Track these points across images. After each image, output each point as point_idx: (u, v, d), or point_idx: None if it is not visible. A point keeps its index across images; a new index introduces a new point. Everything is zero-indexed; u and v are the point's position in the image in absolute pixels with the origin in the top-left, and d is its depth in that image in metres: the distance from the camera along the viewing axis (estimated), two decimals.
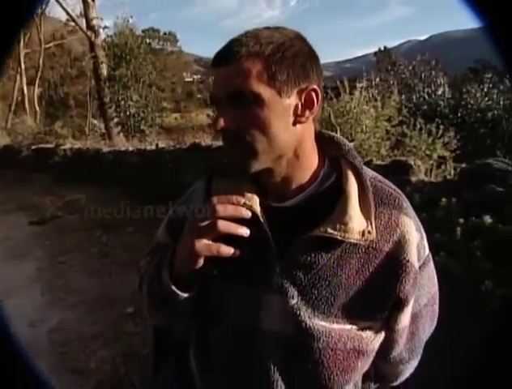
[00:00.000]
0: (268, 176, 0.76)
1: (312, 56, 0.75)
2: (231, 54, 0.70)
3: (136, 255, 4.71)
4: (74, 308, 3.63)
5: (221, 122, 0.72)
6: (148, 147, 7.62)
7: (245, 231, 0.71)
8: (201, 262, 0.72)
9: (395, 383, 0.89)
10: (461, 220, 2.52)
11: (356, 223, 0.72)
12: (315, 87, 0.73)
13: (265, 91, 0.69)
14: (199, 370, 0.83)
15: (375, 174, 0.81)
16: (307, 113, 0.73)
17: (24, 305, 3.69)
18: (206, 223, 0.70)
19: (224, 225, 0.70)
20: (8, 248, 5.36)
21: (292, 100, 0.72)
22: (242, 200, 0.73)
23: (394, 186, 0.80)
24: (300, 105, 0.73)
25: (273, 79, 0.70)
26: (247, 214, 0.72)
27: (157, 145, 7.48)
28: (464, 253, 2.39)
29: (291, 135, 0.73)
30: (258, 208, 0.75)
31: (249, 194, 0.76)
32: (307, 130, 0.76)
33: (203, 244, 0.70)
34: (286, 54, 0.70)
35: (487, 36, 0.55)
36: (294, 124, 0.73)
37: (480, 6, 0.57)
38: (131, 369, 2.72)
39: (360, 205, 0.74)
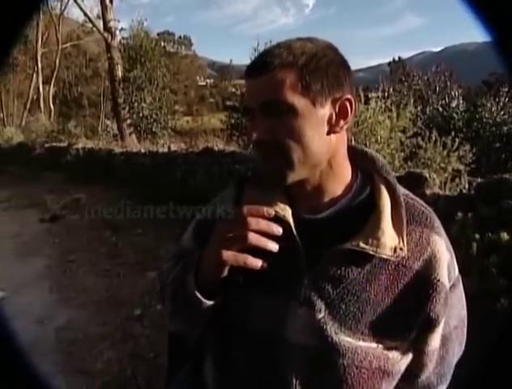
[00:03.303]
0: (302, 186, 0.76)
1: (344, 65, 0.74)
2: (264, 65, 0.70)
3: (145, 257, 4.74)
4: (83, 307, 3.64)
5: (255, 133, 0.72)
6: (160, 150, 7.64)
7: (274, 246, 0.70)
8: (226, 271, 0.72)
9: None
10: (477, 236, 2.49)
11: (389, 238, 0.71)
12: (349, 96, 0.73)
13: (299, 102, 0.69)
14: (217, 379, 0.81)
15: (407, 192, 0.79)
16: (341, 122, 0.73)
17: (33, 302, 3.72)
18: (235, 233, 0.70)
19: (254, 238, 0.69)
20: (18, 244, 5.41)
21: (326, 110, 0.72)
22: (273, 212, 0.72)
23: (425, 204, 0.79)
24: (334, 115, 0.72)
25: (307, 89, 0.70)
26: (278, 231, 0.71)
27: (169, 148, 7.51)
28: (479, 269, 2.36)
29: (325, 145, 0.73)
30: (290, 219, 0.74)
31: (281, 205, 0.75)
32: (340, 139, 0.76)
33: (230, 254, 0.70)
34: (319, 64, 0.70)
35: (497, 49, 0.56)
36: (328, 133, 0.73)
37: (490, 20, 0.57)
38: (137, 371, 2.72)
39: (392, 220, 0.72)
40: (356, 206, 0.76)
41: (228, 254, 0.70)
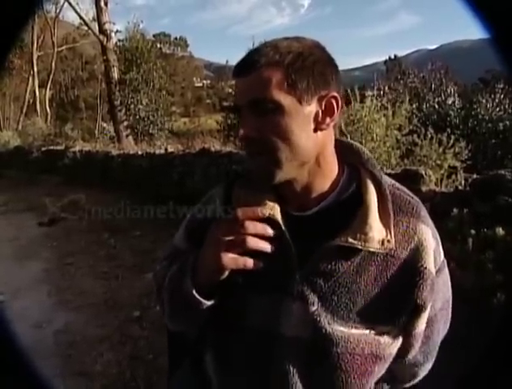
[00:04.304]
0: (290, 186, 0.77)
1: (331, 64, 0.75)
2: (251, 64, 0.72)
3: (143, 259, 4.74)
4: (81, 310, 3.64)
5: (243, 131, 0.73)
6: (157, 151, 7.64)
7: (270, 248, 0.73)
8: (226, 273, 0.73)
9: (408, 385, 0.89)
10: (472, 232, 2.50)
11: (376, 232, 0.72)
12: (335, 94, 0.74)
13: (285, 99, 0.70)
14: (218, 374, 0.84)
15: (393, 182, 0.81)
16: (328, 119, 0.74)
17: (31, 305, 3.71)
18: (234, 237, 0.71)
19: (253, 242, 0.71)
20: (16, 248, 5.40)
21: (312, 108, 0.73)
22: (267, 213, 0.74)
23: (412, 194, 0.81)
24: (320, 112, 0.73)
25: (293, 87, 0.71)
26: (272, 233, 0.73)
27: (166, 149, 7.50)
28: (475, 265, 2.37)
29: (312, 142, 0.74)
30: (279, 218, 0.75)
31: (270, 204, 0.76)
32: (328, 136, 0.77)
33: (230, 258, 0.71)
34: (305, 63, 0.72)
35: (494, 46, 0.56)
36: (315, 131, 0.74)
37: (487, 16, 0.57)
38: (137, 373, 2.72)
39: (379, 214, 0.74)
40: (342, 201, 0.78)
41: (229, 259, 0.71)
